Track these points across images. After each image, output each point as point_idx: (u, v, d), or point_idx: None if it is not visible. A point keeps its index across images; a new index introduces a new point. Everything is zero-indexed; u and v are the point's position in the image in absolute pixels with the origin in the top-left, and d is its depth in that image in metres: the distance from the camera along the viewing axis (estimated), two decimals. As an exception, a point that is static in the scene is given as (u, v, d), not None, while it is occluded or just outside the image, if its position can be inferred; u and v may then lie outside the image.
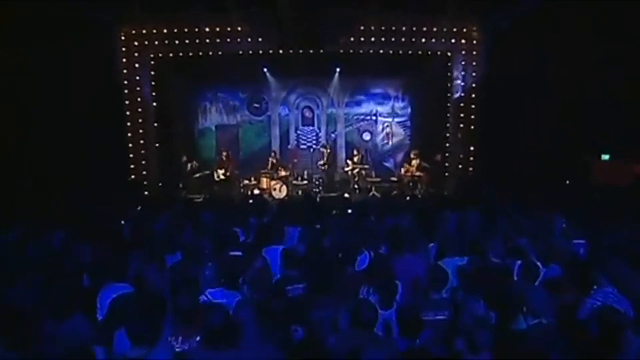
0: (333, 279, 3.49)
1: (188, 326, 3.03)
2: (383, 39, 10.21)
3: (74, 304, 3.41)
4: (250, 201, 7.99)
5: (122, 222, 6.23)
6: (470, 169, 10.96)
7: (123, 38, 10.23)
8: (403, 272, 3.76)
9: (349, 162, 11.74)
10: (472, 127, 10.81)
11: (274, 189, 10.94)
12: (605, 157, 8.80)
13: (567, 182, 9.11)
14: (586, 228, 4.95)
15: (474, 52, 10.57)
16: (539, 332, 2.62)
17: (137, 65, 10.49)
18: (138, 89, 10.54)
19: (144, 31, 10.25)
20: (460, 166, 11.06)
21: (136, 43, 10.35)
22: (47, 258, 4.83)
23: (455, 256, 4.08)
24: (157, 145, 10.91)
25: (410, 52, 10.67)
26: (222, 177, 11.32)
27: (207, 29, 10.15)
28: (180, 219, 6.23)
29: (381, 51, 10.57)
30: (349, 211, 6.72)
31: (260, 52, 10.60)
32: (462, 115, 10.91)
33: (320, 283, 3.37)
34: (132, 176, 10.56)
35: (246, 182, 11.61)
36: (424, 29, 10.23)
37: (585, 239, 4.48)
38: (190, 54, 10.60)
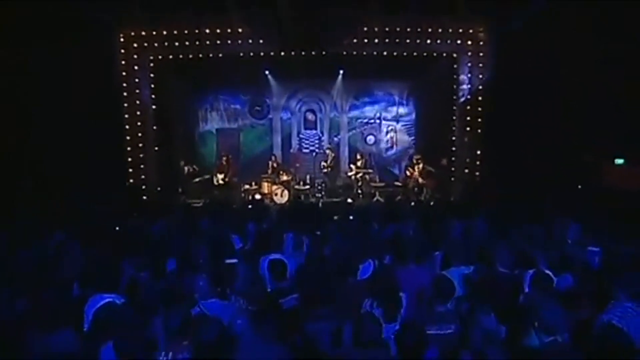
0: (332, 289, 3.36)
1: (179, 340, 2.91)
2: (387, 40, 10.08)
3: (62, 315, 3.32)
4: (250, 206, 7.89)
5: (117, 227, 6.14)
6: (477, 173, 10.79)
7: (122, 40, 10.17)
8: (407, 283, 3.62)
9: (352, 166, 11.63)
10: (479, 130, 10.65)
11: (276, 194, 10.84)
12: (619, 161, 8.62)
13: (579, 186, 8.91)
14: (601, 235, 4.79)
15: (481, 54, 10.42)
16: (555, 351, 2.47)
17: (136, 67, 10.42)
18: (137, 91, 10.46)
19: (143, 33, 10.19)
20: (466, 171, 10.90)
21: (135, 45, 10.28)
22: (40, 263, 4.77)
23: (461, 265, 3.94)
24: (156, 148, 10.82)
25: (415, 53, 10.54)
26: (221, 181, 11.23)
27: (207, 31, 10.07)
28: (177, 225, 6.14)
29: (385, 53, 10.45)
30: (351, 217, 6.59)
31: (262, 54, 10.51)
32: (468, 118, 10.75)
33: (317, 294, 3.23)
34: (131, 180, 10.47)
35: (247, 186, 11.52)
36: (429, 29, 10.09)
37: (600, 246, 4.31)
38: (190, 56, 10.52)
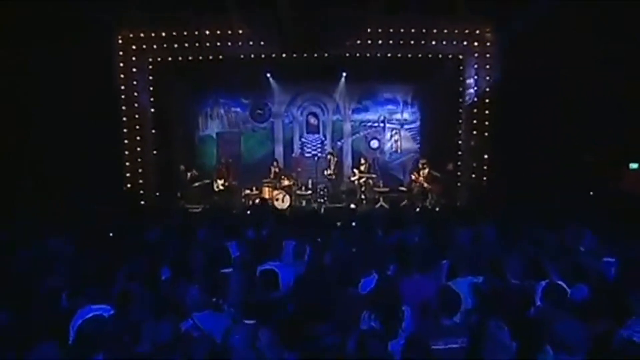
0: (332, 301, 3.22)
1: (168, 356, 2.78)
2: (391, 42, 9.98)
3: (47, 328, 3.21)
4: (249, 212, 7.77)
5: (111, 234, 6.03)
6: (484, 178, 10.63)
7: (120, 41, 10.11)
8: (412, 294, 3.48)
9: (356, 171, 11.51)
10: (486, 134, 10.51)
11: (277, 199, 10.72)
12: (634, 166, 8.44)
13: (591, 192, 8.73)
14: (615, 242, 4.62)
15: (488, 55, 10.29)
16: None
17: (134, 69, 10.36)
18: (135, 94, 10.39)
19: (142, 34, 10.13)
20: (473, 175, 10.75)
21: (134, 47, 10.23)
22: (31, 270, 4.69)
23: (468, 275, 3.80)
24: (154, 152, 10.76)
25: (420, 55, 10.42)
26: (221, 187, 11.13)
27: (207, 32, 10.01)
28: (173, 232, 6.03)
29: (389, 54, 10.34)
30: (354, 224, 6.45)
31: (263, 56, 10.44)
32: (475, 121, 10.62)
33: (316, 306, 3.09)
34: (128, 185, 10.38)
35: (247, 192, 11.41)
36: (435, 30, 9.97)
37: (616, 255, 4.15)
38: (190, 58, 10.48)
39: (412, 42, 10.05)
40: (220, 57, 10.37)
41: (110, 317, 3.07)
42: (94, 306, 3.37)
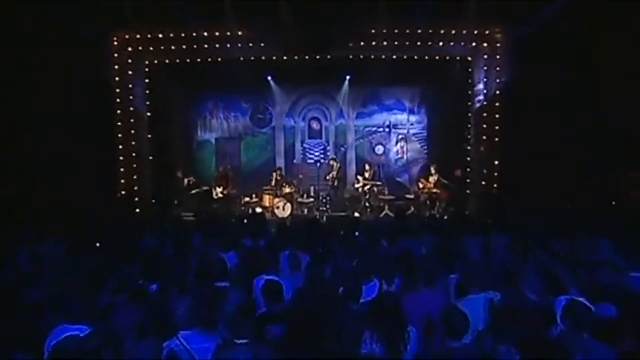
0: (331, 317, 3.03)
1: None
2: (396, 43, 9.88)
3: (23, 343, 3.06)
4: (246, 220, 7.60)
5: (102, 243, 5.89)
6: (495, 185, 10.47)
7: (116, 43, 10.03)
8: (417, 311, 3.28)
9: (360, 178, 11.35)
10: (496, 139, 10.36)
11: (277, 207, 10.57)
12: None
13: (613, 202, 8.49)
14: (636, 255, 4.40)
15: (497, 56, 10.16)
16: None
17: (130, 72, 10.28)
18: (131, 97, 10.31)
19: (138, 36, 10.05)
20: (483, 183, 10.60)
21: (130, 48, 10.15)
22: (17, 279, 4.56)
23: (481, 291, 3.58)
24: (150, 158, 10.64)
25: (426, 57, 10.35)
26: (220, 194, 10.97)
27: (205, 33, 9.93)
28: (167, 242, 5.87)
29: (395, 56, 10.24)
30: (357, 233, 6.27)
31: (263, 58, 10.38)
32: (484, 126, 10.48)
33: (315, 324, 2.90)
34: (122, 191, 10.25)
35: (247, 199, 11.25)
36: (442, 31, 9.86)
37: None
38: (188, 60, 10.40)
39: (418, 43, 9.96)
40: (219, 59, 10.31)
41: (89, 334, 2.89)
42: (69, 326, 3.21)
